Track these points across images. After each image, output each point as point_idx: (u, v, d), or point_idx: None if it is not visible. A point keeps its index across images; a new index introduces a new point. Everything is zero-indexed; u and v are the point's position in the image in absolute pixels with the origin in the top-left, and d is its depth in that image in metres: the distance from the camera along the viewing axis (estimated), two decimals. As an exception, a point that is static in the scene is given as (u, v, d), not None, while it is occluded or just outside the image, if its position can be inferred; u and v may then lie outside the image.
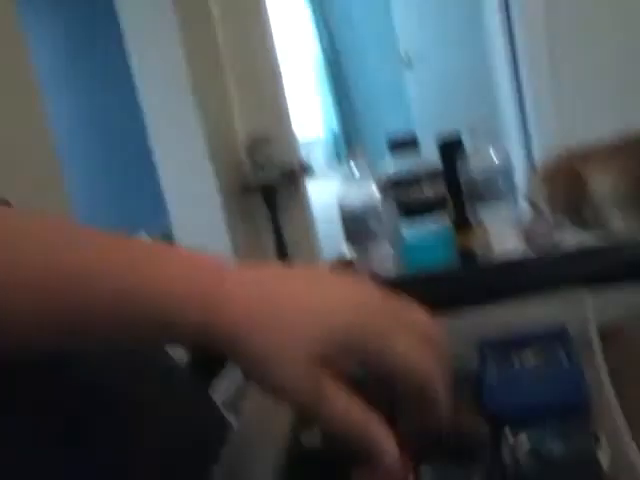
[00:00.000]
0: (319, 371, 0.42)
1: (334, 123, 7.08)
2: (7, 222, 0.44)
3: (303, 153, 3.99)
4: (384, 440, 0.45)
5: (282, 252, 3.40)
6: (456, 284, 0.69)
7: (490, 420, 0.54)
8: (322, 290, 0.45)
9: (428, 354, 0.44)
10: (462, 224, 1.02)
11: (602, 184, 1.43)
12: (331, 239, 2.10)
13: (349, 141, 6.84)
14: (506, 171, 0.96)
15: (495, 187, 0.96)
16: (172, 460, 0.55)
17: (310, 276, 0.47)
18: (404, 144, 1.00)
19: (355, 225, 0.93)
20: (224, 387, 0.79)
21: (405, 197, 0.96)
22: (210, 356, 0.81)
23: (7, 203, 0.58)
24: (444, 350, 0.46)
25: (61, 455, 0.47)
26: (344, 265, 0.99)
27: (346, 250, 1.02)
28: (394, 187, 0.96)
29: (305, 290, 0.45)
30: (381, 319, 0.44)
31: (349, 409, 0.44)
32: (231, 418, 0.66)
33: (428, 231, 0.97)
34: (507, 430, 0.52)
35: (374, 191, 0.93)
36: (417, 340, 0.44)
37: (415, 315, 0.46)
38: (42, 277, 0.42)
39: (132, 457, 0.52)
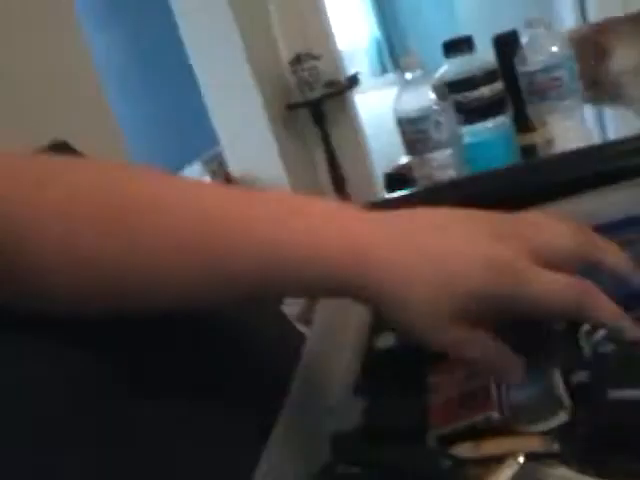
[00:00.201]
0: (460, 327, 0.43)
1: (378, 32, 6.86)
2: (142, 186, 0.44)
3: (348, 65, 3.90)
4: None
5: (334, 167, 3.39)
6: (521, 180, 0.68)
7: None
8: (452, 239, 0.44)
9: (570, 289, 0.42)
10: (523, 123, 0.99)
11: (625, 58, 1.38)
12: (384, 150, 2.08)
13: (393, 50, 6.63)
14: (568, 63, 0.92)
15: (557, 81, 0.92)
16: (250, 374, 0.57)
17: (442, 224, 0.45)
18: (459, 45, 0.97)
19: (413, 132, 0.91)
20: (295, 301, 0.81)
21: (463, 99, 0.94)
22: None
23: (66, 145, 0.59)
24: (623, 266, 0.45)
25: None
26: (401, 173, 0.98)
27: (403, 159, 1.00)
28: (451, 90, 0.94)
29: (444, 243, 0.44)
30: (508, 259, 0.42)
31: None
32: (304, 329, 0.67)
33: (488, 132, 0.94)
34: (586, 325, 0.52)
35: (431, 96, 0.91)
36: (555, 271, 0.42)
37: (549, 235, 0.44)
38: (195, 240, 0.42)
39: (209, 375, 0.54)
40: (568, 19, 3.48)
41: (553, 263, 0.42)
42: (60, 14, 2.02)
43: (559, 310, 0.42)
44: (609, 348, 0.45)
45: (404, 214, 0.46)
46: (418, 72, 0.91)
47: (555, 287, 0.42)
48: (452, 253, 0.43)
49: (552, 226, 0.45)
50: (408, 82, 0.92)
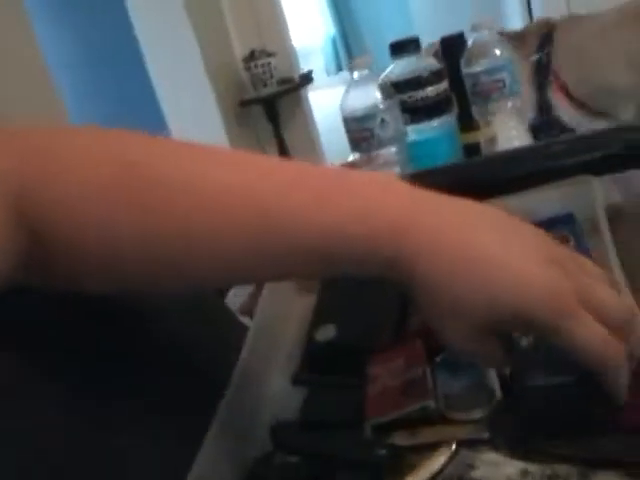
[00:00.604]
0: (486, 334, 0.42)
1: (333, 30, 6.88)
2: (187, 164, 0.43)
3: (303, 63, 3.91)
4: None
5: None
6: (461, 177, 0.69)
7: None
8: (515, 246, 0.41)
9: (607, 335, 0.39)
10: (467, 122, 1.01)
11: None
12: (335, 147, 2.09)
13: (349, 49, 6.67)
14: (510, 65, 0.94)
15: (499, 83, 0.94)
16: (190, 364, 0.57)
17: (502, 229, 0.42)
18: (406, 46, 0.99)
19: (358, 129, 0.92)
20: (239, 294, 0.81)
21: (408, 98, 0.95)
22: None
23: None
24: (629, 326, 0.41)
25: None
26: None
27: (351, 157, 1.01)
28: (397, 90, 0.95)
29: (501, 244, 0.41)
30: (563, 295, 0.39)
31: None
32: (246, 321, 0.68)
33: (432, 130, 0.96)
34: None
35: (377, 95, 0.92)
36: (597, 321, 0.39)
37: (603, 294, 0.41)
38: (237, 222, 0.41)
39: (149, 365, 0.54)
40: (516, 20, 3.57)
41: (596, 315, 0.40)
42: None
43: (591, 360, 0.39)
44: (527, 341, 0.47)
45: (463, 204, 0.43)
46: (365, 71, 0.92)
47: (598, 339, 0.39)
48: (506, 265, 0.40)
49: (600, 281, 0.42)
50: (355, 81, 0.93)
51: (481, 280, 0.39)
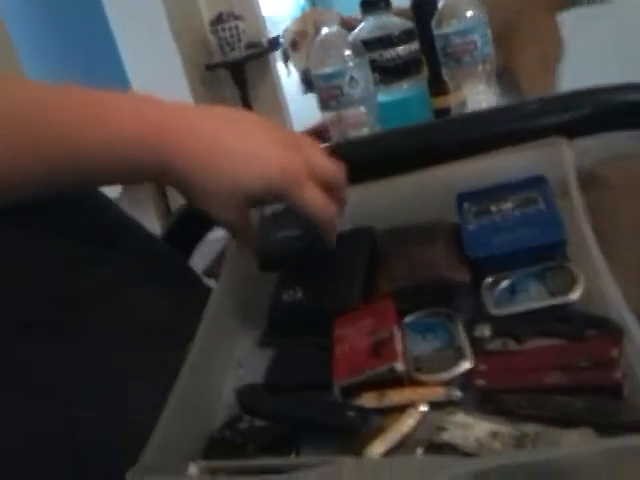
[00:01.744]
0: (243, 209, 0.55)
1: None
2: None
3: (272, 30, 3.84)
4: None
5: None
6: (430, 137, 0.68)
7: (473, 268, 0.55)
8: (254, 139, 0.54)
9: (326, 198, 0.55)
10: (438, 86, 1.00)
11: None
12: (302, 114, 2.07)
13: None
14: (482, 28, 0.92)
15: (470, 45, 0.92)
16: (154, 325, 0.56)
17: (243, 128, 0.55)
18: (377, 3, 0.96)
19: (327, 88, 0.90)
20: (204, 255, 0.79)
21: (379, 57, 0.93)
22: (189, 228, 0.81)
23: None
24: (341, 189, 0.57)
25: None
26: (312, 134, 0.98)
27: (320, 117, 0.99)
28: (367, 47, 0.93)
29: (241, 139, 0.53)
30: (296, 170, 0.53)
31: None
32: (211, 283, 0.66)
33: (403, 92, 0.95)
34: (489, 279, 0.54)
35: (347, 52, 0.90)
36: (320, 187, 0.54)
37: (321, 162, 0.56)
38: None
39: (115, 328, 0.53)
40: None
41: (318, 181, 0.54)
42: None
43: (312, 217, 0.54)
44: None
45: (209, 108, 0.56)
46: (335, 28, 0.89)
47: (318, 201, 0.54)
48: (252, 153, 0.53)
49: (322, 155, 0.56)
50: (324, 37, 0.90)
51: (231, 167, 0.52)
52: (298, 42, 1.95)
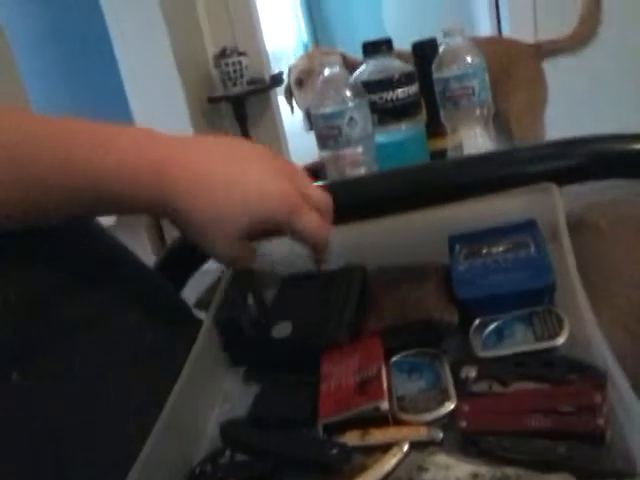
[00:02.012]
0: (245, 240, 0.54)
1: (305, 34, 6.89)
2: None
3: (274, 65, 3.89)
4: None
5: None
6: (424, 179, 0.69)
7: (461, 309, 0.55)
8: (252, 169, 0.54)
9: (321, 222, 0.56)
10: (435, 128, 1.01)
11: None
12: (302, 151, 2.09)
13: (321, 53, 6.67)
14: (480, 73, 0.94)
15: (468, 90, 0.94)
16: (141, 357, 0.56)
17: (244, 154, 0.55)
18: (378, 46, 0.98)
19: (327, 127, 0.91)
20: (197, 286, 0.79)
21: (378, 99, 0.95)
22: (182, 259, 0.82)
23: None
24: (330, 213, 0.59)
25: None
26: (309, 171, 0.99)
27: (317, 156, 1.00)
28: (368, 89, 0.94)
29: (237, 170, 0.53)
30: (292, 198, 0.54)
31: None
32: (202, 315, 0.66)
33: (401, 133, 0.96)
34: (477, 321, 0.54)
35: (348, 93, 0.91)
36: (315, 212, 0.56)
37: (312, 188, 0.57)
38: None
39: (102, 358, 0.53)
40: (484, 25, 3.62)
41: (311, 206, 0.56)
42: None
43: (309, 239, 0.56)
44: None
45: (206, 140, 0.56)
46: (336, 68, 0.91)
47: (314, 223, 0.55)
48: (250, 182, 0.53)
49: (310, 182, 0.58)
50: (326, 78, 0.92)
51: (230, 201, 0.52)
52: (303, 80, 1.98)
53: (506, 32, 3.43)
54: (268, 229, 0.55)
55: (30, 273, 0.51)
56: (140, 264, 0.65)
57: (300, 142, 2.85)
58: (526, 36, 2.38)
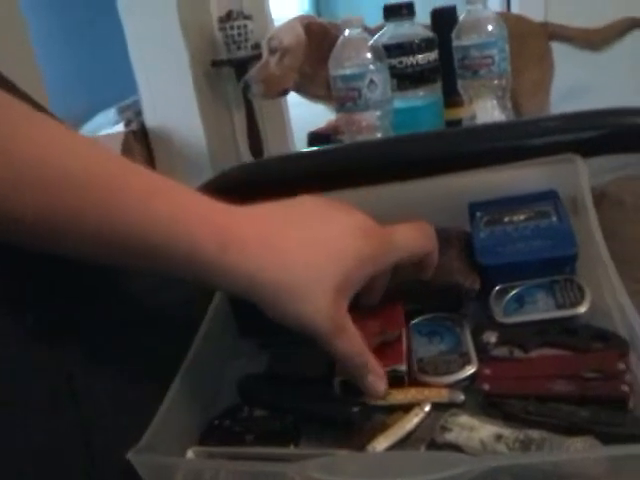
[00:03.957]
0: (343, 303, 0.46)
1: (306, 3, 6.78)
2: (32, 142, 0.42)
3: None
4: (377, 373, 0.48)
5: (252, 128, 3.34)
6: (447, 145, 0.68)
7: (482, 276, 0.55)
8: (335, 228, 0.47)
9: (420, 234, 0.51)
10: (452, 98, 1.00)
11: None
12: (302, 118, 2.07)
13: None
14: (501, 43, 0.93)
15: (488, 59, 0.93)
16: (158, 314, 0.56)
17: (312, 214, 0.48)
18: (400, 10, 0.97)
19: (346, 89, 0.90)
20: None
21: (398, 64, 0.94)
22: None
23: (11, 83, 0.54)
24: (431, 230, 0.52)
25: None
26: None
27: (331, 118, 1.00)
28: (388, 53, 0.93)
29: (322, 229, 0.47)
30: (379, 229, 0.48)
31: (356, 342, 0.47)
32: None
33: (418, 100, 0.95)
34: (497, 288, 0.54)
35: (368, 56, 0.90)
36: (408, 228, 0.50)
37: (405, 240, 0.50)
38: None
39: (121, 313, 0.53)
40: (492, 2, 3.57)
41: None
42: None
43: (416, 252, 0.51)
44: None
45: (280, 207, 0.48)
46: (357, 30, 0.89)
47: (412, 235, 0.50)
48: (331, 237, 0.46)
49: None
50: (346, 39, 0.90)
51: (317, 256, 0.45)
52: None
53: (515, 9, 3.40)
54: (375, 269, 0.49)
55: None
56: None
57: (300, 111, 2.83)
58: (536, 15, 2.35)
